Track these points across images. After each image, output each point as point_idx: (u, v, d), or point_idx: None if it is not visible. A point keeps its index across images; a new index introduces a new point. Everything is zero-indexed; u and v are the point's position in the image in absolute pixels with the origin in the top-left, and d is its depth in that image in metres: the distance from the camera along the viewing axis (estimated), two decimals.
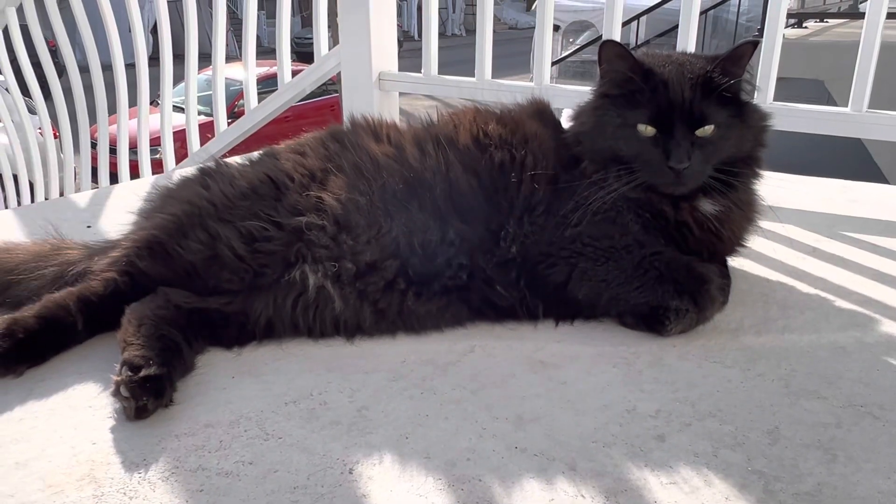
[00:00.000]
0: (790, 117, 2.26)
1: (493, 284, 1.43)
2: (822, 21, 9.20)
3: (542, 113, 1.63)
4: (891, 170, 6.58)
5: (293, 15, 3.29)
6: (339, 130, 1.61)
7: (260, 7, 3.25)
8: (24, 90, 4.29)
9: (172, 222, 1.44)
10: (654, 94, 1.39)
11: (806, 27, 8.55)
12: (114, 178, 4.02)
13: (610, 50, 1.44)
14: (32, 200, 4.67)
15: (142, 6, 4.00)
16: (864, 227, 2.01)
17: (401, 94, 3.11)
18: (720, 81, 1.39)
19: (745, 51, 1.43)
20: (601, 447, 1.11)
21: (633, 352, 1.38)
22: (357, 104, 3.00)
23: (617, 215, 1.44)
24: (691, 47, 2.35)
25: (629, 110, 1.41)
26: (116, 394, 1.17)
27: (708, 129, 1.40)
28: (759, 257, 1.77)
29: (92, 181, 4.26)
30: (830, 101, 7.19)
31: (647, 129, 1.40)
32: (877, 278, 1.69)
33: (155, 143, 3.85)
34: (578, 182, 1.46)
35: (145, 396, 1.16)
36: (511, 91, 2.77)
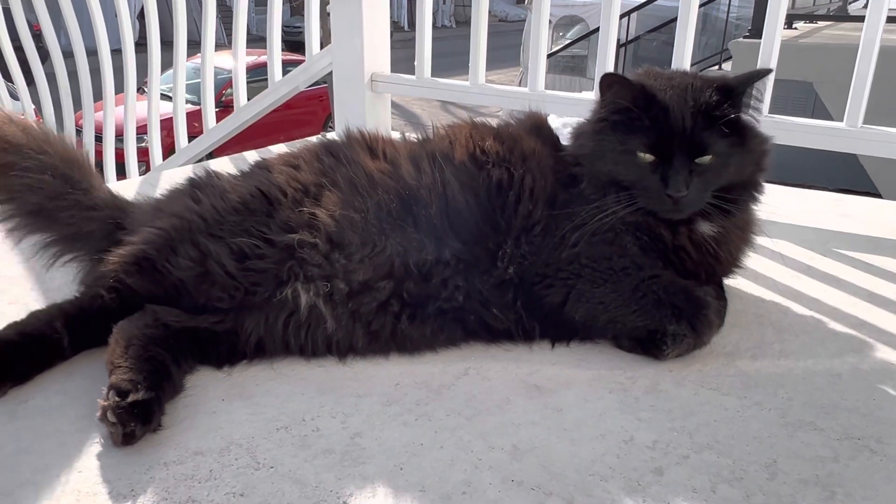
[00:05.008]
0: (784, 130, 2.24)
1: (489, 306, 1.41)
2: (811, 22, 9.23)
3: (539, 128, 1.60)
4: (882, 182, 6.62)
5: (283, 3, 3.24)
6: (334, 144, 1.58)
7: None
8: (7, 75, 4.20)
9: (161, 237, 1.40)
10: (654, 121, 1.37)
11: (795, 28, 8.58)
12: (98, 167, 3.95)
13: (610, 80, 1.41)
14: None
15: None
16: (856, 244, 2.01)
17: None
18: (724, 112, 1.37)
19: (756, 81, 1.41)
20: (598, 480, 1.09)
21: (629, 377, 1.37)
22: (349, 105, 2.97)
23: (615, 237, 1.43)
24: (689, 48, 2.34)
25: (629, 137, 1.39)
26: (103, 419, 1.14)
27: (707, 159, 1.38)
28: (753, 276, 1.76)
29: None
30: (818, 104, 7.22)
31: (645, 157, 1.38)
32: (871, 300, 1.69)
33: (142, 130, 3.79)
34: (577, 202, 1.44)
35: (133, 422, 1.13)
36: (504, 95, 2.76)
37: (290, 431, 1.19)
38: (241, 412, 1.24)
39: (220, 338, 1.35)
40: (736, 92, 1.39)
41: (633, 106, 1.39)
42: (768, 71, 1.46)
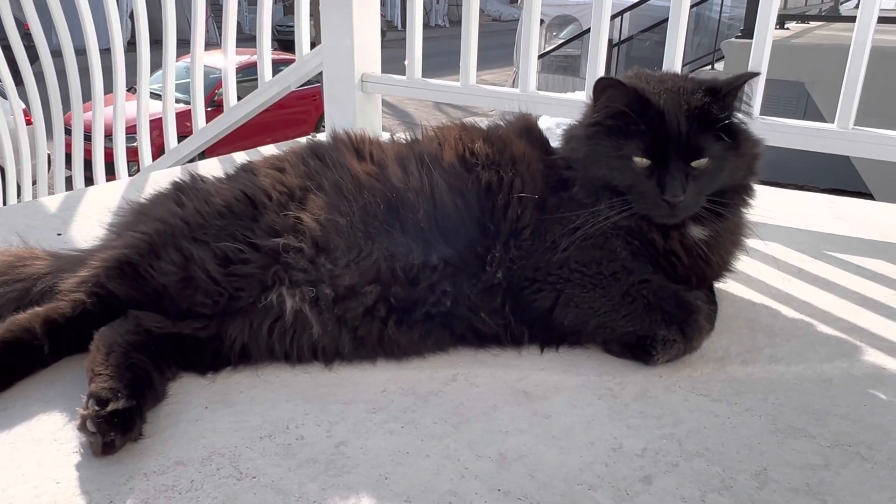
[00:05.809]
0: (776, 132, 2.23)
1: (477, 311, 1.39)
2: (803, 22, 9.25)
3: (529, 131, 1.59)
4: (873, 182, 6.62)
5: (275, 2, 3.24)
6: (320, 146, 1.56)
7: None
8: None
9: (144, 241, 1.38)
10: (650, 126, 1.36)
11: (787, 28, 8.59)
12: (88, 166, 3.93)
13: (604, 84, 1.40)
14: (4, 186, 4.53)
15: None
16: (848, 247, 2.00)
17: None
18: (717, 115, 1.36)
19: (744, 83, 1.40)
20: (586, 490, 1.08)
21: (618, 382, 1.35)
22: (339, 105, 2.95)
23: (605, 241, 1.41)
24: (680, 48, 2.32)
25: (624, 141, 1.38)
26: (83, 428, 1.12)
27: (703, 162, 1.36)
28: (744, 279, 1.75)
29: (66, 168, 4.16)
30: (810, 103, 7.24)
31: (641, 161, 1.37)
32: (862, 303, 1.67)
33: (131, 130, 3.75)
34: (567, 207, 1.42)
35: (113, 432, 1.10)
36: (495, 96, 2.74)
37: (273, 440, 1.17)
38: (225, 420, 1.22)
39: (203, 344, 1.33)
40: (726, 94, 1.37)
41: (627, 110, 1.37)
42: (755, 74, 1.44)
